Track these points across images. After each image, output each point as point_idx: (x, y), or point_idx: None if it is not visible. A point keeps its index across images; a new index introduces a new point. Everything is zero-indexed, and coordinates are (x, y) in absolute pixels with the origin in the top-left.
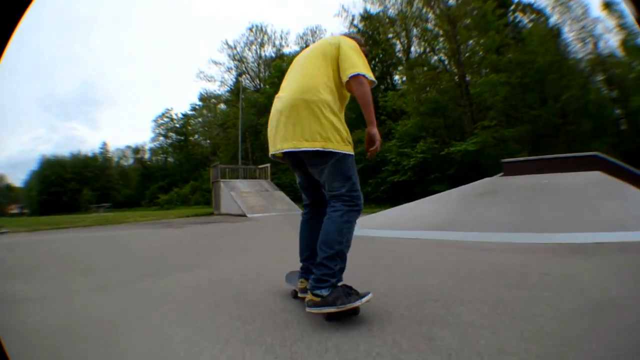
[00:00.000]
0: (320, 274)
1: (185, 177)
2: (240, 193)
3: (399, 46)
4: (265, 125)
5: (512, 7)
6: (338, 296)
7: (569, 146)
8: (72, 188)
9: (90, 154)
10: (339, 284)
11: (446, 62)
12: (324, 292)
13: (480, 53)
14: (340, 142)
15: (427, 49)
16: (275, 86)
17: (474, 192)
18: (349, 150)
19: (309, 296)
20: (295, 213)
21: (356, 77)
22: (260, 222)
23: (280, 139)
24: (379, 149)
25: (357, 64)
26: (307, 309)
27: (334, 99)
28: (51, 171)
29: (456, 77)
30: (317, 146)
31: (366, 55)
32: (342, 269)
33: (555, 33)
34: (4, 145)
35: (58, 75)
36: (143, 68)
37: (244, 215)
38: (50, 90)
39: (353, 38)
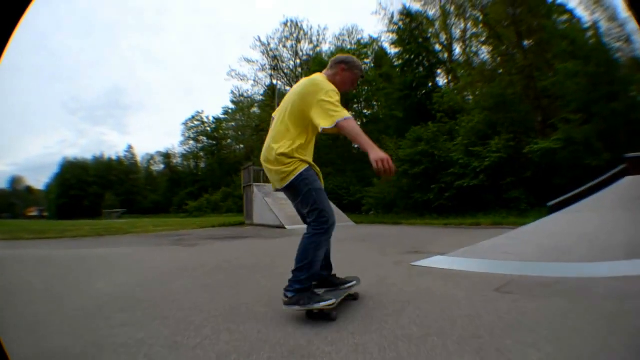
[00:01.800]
0: (291, 280)
1: (216, 183)
2: (278, 200)
3: (437, 46)
4: None
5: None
6: (301, 298)
7: None
8: (93, 192)
9: (114, 158)
10: (312, 289)
11: (511, 50)
12: (289, 294)
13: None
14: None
15: (485, 36)
16: None
17: (630, 197)
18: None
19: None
20: (346, 224)
21: (335, 126)
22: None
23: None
24: (392, 167)
25: (326, 115)
26: (283, 306)
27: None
28: (71, 174)
29: (521, 67)
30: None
31: (360, 77)
32: (309, 278)
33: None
34: (24, 148)
35: (85, 79)
36: (173, 71)
37: (282, 227)
38: (77, 94)
39: (340, 63)
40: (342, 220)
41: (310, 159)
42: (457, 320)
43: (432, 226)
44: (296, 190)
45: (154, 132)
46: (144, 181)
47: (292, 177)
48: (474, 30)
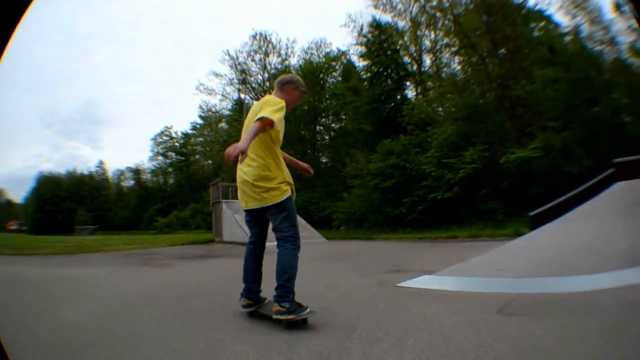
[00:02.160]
0: (283, 292)
1: (185, 200)
2: None
3: (407, 58)
4: None
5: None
6: (295, 308)
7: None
8: (67, 207)
9: (87, 173)
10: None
11: (484, 59)
12: (287, 305)
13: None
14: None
15: (457, 46)
16: None
17: (625, 203)
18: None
19: (276, 307)
20: (317, 241)
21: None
22: (275, 253)
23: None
24: (233, 154)
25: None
26: (275, 316)
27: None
28: (46, 189)
29: (496, 77)
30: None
31: (304, 93)
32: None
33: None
34: (5, 160)
35: (60, 91)
36: (144, 85)
37: None
38: (53, 107)
39: (284, 83)
40: (313, 237)
41: (285, 173)
42: (468, 354)
43: (407, 240)
44: (280, 209)
45: (125, 147)
46: (114, 197)
47: (278, 200)
48: (446, 40)
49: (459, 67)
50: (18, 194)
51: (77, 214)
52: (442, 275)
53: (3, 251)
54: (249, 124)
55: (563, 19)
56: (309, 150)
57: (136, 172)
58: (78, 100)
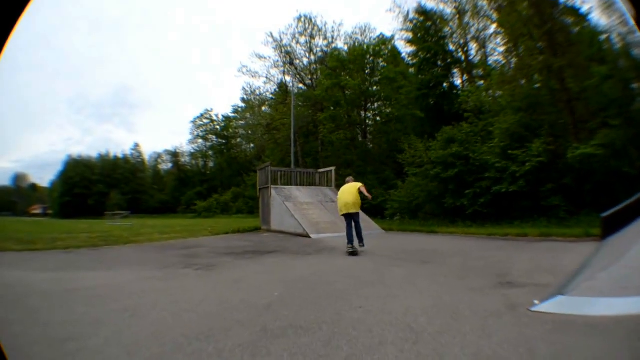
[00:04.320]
0: (362, 240)
1: (226, 183)
2: (299, 204)
3: (452, 46)
4: (321, 122)
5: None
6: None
7: None
8: (98, 191)
9: (121, 156)
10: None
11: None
12: (364, 244)
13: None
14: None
15: (507, 35)
16: (333, 77)
17: None
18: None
19: (361, 245)
20: (374, 232)
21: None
22: (339, 250)
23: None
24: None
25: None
26: (361, 249)
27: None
28: (76, 172)
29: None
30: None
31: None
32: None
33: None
34: (29, 145)
35: (90, 76)
36: (179, 69)
37: (306, 236)
38: (83, 92)
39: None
40: (370, 228)
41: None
42: None
43: (475, 237)
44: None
45: (160, 131)
46: (150, 180)
47: (359, 210)
48: (493, 28)
49: (506, 58)
50: (42, 178)
51: (110, 197)
52: (579, 297)
53: (9, 247)
54: (349, 189)
55: (599, 18)
56: (358, 136)
57: (174, 154)
58: (110, 85)
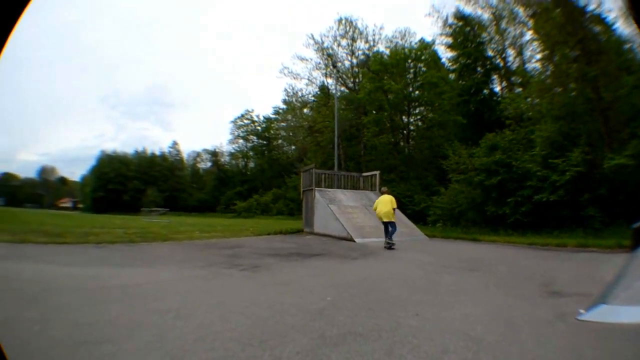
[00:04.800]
0: (392, 237)
1: (266, 184)
2: (344, 208)
3: (490, 52)
4: (365, 125)
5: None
6: (394, 242)
7: None
8: (134, 187)
9: (158, 153)
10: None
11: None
12: (393, 242)
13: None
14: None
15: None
16: (375, 81)
17: None
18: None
19: (392, 242)
20: (418, 238)
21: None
22: (385, 256)
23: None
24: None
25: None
26: (391, 246)
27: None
28: (110, 168)
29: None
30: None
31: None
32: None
33: None
34: (58, 139)
35: (124, 74)
36: (215, 69)
37: (351, 240)
38: (116, 89)
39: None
40: (414, 233)
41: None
42: None
43: (516, 245)
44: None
45: (197, 130)
46: (189, 178)
47: (394, 220)
48: (529, 35)
49: (543, 65)
50: (73, 172)
51: (146, 194)
52: (620, 305)
53: (31, 239)
54: (385, 201)
55: (624, 28)
56: (401, 141)
57: (214, 154)
58: (145, 83)
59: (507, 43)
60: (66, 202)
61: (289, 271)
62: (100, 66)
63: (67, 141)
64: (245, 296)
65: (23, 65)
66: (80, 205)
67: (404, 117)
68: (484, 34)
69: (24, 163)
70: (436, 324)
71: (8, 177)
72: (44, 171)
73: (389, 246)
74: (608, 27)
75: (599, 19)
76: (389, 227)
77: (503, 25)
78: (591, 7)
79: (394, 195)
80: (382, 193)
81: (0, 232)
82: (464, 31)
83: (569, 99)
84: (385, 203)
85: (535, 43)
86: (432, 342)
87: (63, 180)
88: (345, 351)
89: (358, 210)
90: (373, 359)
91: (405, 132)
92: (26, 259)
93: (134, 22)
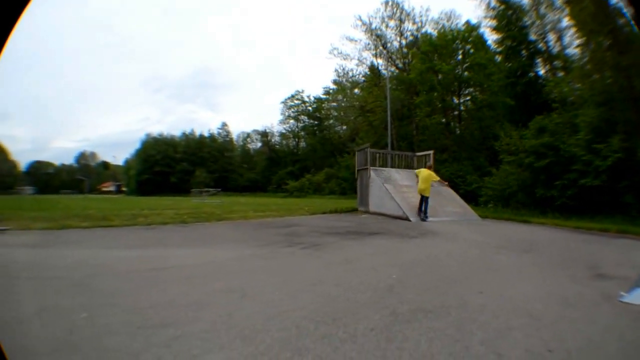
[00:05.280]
0: (426, 214)
1: (318, 164)
2: (399, 187)
3: (532, 36)
4: (417, 105)
5: None
6: (428, 216)
7: None
8: (182, 169)
9: (206, 134)
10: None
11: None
12: (428, 217)
13: None
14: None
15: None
16: (426, 61)
17: None
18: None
19: (425, 216)
20: (472, 219)
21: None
22: (442, 235)
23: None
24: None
25: (435, 178)
26: (425, 219)
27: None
28: (157, 150)
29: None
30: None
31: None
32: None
33: None
34: (97, 124)
35: (166, 58)
36: (262, 51)
37: (406, 219)
38: (160, 73)
39: (429, 167)
40: (467, 214)
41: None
42: None
43: (563, 228)
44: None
45: (245, 112)
46: (239, 159)
47: (428, 194)
48: (569, 22)
49: (582, 51)
50: (116, 157)
51: (195, 175)
52: None
53: (70, 224)
54: (427, 177)
55: None
56: (452, 122)
57: (264, 134)
58: (192, 66)
59: (547, 28)
60: (109, 186)
61: (350, 249)
62: (139, 52)
63: (108, 127)
64: (311, 274)
65: (57, 55)
66: (124, 189)
67: (454, 97)
68: (525, 18)
69: (60, 150)
70: (499, 301)
71: (38, 165)
72: (83, 157)
73: (424, 218)
74: (628, 21)
75: (620, 12)
76: (422, 200)
77: (542, 10)
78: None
79: (434, 170)
80: (427, 167)
81: (34, 220)
82: (507, 14)
83: (606, 86)
84: (427, 181)
85: (573, 29)
86: (498, 320)
87: (105, 165)
88: (417, 327)
89: (413, 189)
90: (445, 335)
91: (456, 112)
92: (66, 245)
93: (174, 7)
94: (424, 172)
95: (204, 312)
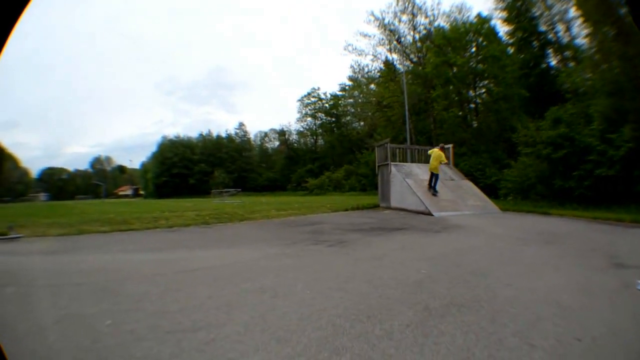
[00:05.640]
0: (435, 190)
1: (337, 161)
2: (420, 182)
3: (542, 27)
4: (434, 99)
5: None
6: (437, 191)
7: None
8: (200, 170)
9: (224, 135)
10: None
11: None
12: (437, 193)
13: None
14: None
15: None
16: (441, 55)
17: None
18: (437, 171)
19: (432, 191)
20: (492, 212)
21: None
22: (466, 229)
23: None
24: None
25: (442, 158)
26: (436, 194)
27: (437, 163)
28: (174, 152)
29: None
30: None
31: (445, 151)
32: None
33: None
34: (111, 129)
35: (177, 60)
36: (275, 50)
37: (429, 214)
38: (172, 75)
39: (441, 148)
40: (488, 207)
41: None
42: None
43: (581, 219)
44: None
45: (262, 111)
46: (258, 158)
47: (437, 171)
48: (576, 12)
49: (590, 41)
50: (131, 161)
51: (213, 175)
52: None
53: (88, 229)
54: (437, 156)
55: None
56: (469, 115)
57: (281, 133)
58: (206, 68)
59: (555, 19)
60: (126, 190)
61: (376, 246)
62: (147, 55)
63: (122, 131)
64: (340, 272)
65: (64, 60)
66: (142, 192)
67: (470, 90)
68: (534, 9)
69: (74, 156)
70: (528, 293)
71: (51, 171)
72: (98, 161)
73: (434, 193)
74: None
75: (621, 3)
76: (432, 176)
77: (549, 1)
78: None
79: (446, 154)
80: (440, 148)
81: (49, 227)
82: (516, 5)
83: (615, 76)
84: (436, 159)
85: (580, 20)
86: (528, 311)
87: (121, 169)
88: (452, 322)
89: None
90: (479, 327)
91: (472, 105)
92: (86, 250)
93: (185, 8)
94: (435, 152)
95: (236, 314)
